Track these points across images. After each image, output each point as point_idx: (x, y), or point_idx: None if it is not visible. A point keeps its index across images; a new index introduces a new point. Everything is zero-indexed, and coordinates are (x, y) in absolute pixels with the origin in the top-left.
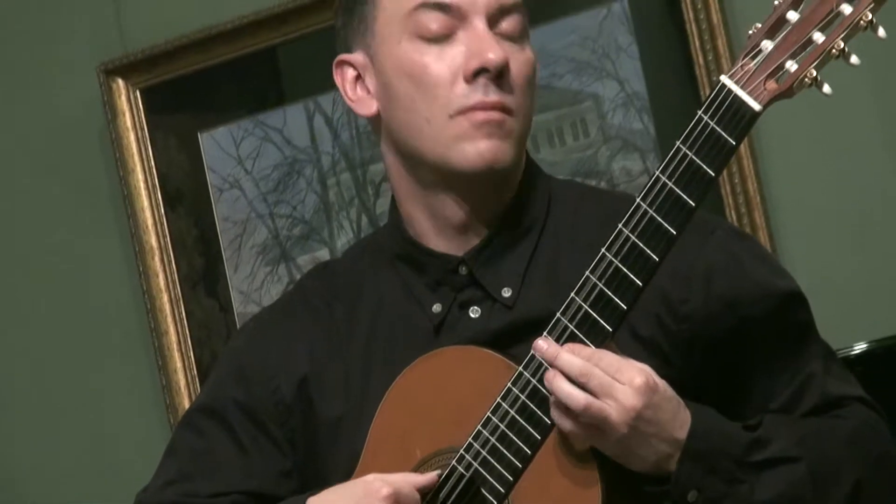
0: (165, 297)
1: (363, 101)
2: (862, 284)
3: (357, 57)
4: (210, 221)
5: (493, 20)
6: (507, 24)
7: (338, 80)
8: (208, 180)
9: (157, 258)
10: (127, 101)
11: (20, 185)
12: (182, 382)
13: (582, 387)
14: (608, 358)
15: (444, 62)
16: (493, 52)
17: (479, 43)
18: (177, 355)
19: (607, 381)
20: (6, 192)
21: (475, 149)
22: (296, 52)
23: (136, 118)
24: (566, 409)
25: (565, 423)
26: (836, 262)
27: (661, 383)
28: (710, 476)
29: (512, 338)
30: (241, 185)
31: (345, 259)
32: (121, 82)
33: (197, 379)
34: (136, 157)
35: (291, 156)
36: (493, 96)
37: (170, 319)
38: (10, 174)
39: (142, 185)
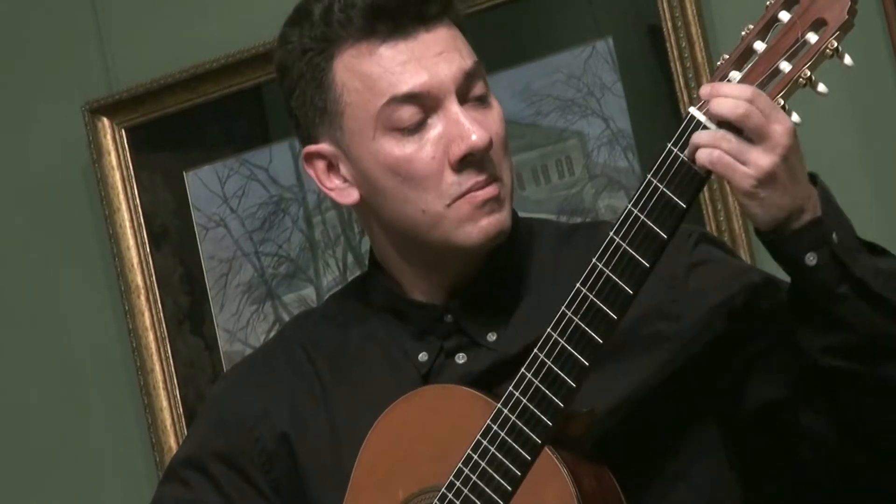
0: (151, 336)
1: (342, 191)
2: None
3: (325, 147)
4: (196, 260)
5: (462, 93)
6: (475, 90)
7: (310, 172)
8: (194, 219)
9: (142, 297)
10: (112, 140)
11: (4, 224)
12: (168, 420)
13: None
14: (762, 100)
15: (426, 151)
16: (476, 135)
17: (457, 127)
18: (163, 393)
19: (763, 119)
20: None
21: (478, 228)
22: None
23: (122, 157)
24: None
25: (713, 155)
26: None
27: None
28: (843, 229)
29: (495, 378)
30: (226, 223)
31: (326, 308)
32: (106, 121)
33: (183, 417)
34: (122, 196)
35: (277, 194)
36: (484, 174)
37: (155, 358)
38: None
39: (127, 223)
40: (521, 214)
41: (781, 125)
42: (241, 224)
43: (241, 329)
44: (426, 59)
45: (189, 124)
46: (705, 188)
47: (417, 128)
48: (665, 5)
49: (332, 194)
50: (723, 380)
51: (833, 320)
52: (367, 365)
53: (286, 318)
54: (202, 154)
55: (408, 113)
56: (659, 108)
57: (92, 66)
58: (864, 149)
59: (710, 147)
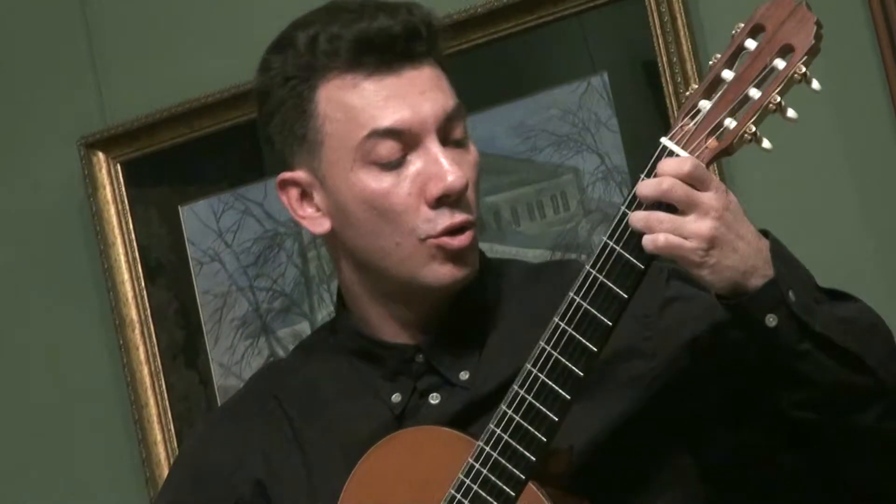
0: (145, 370)
1: (314, 220)
2: None
3: (300, 175)
4: (190, 294)
5: (442, 133)
6: (455, 132)
7: (283, 198)
8: (189, 253)
9: (137, 331)
10: (107, 175)
11: None
12: (162, 455)
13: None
14: (685, 167)
15: (403, 187)
16: (454, 176)
17: (436, 167)
18: (157, 428)
19: (686, 188)
20: None
21: (447, 270)
22: None
23: (117, 191)
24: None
25: (658, 240)
26: None
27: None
28: (800, 284)
29: (470, 417)
30: (221, 258)
31: (293, 358)
32: (101, 156)
33: (177, 452)
34: (117, 231)
35: (272, 229)
36: (459, 216)
37: (150, 392)
38: None
39: (122, 258)
40: (515, 251)
41: (709, 188)
42: (235, 259)
43: (235, 363)
44: (410, 96)
45: (184, 159)
46: None
47: (396, 164)
48: (660, 41)
49: (304, 222)
50: (698, 417)
51: (798, 376)
52: (340, 408)
53: (281, 352)
54: (197, 188)
55: (387, 148)
56: (654, 144)
57: (87, 101)
58: (854, 162)
59: (650, 232)
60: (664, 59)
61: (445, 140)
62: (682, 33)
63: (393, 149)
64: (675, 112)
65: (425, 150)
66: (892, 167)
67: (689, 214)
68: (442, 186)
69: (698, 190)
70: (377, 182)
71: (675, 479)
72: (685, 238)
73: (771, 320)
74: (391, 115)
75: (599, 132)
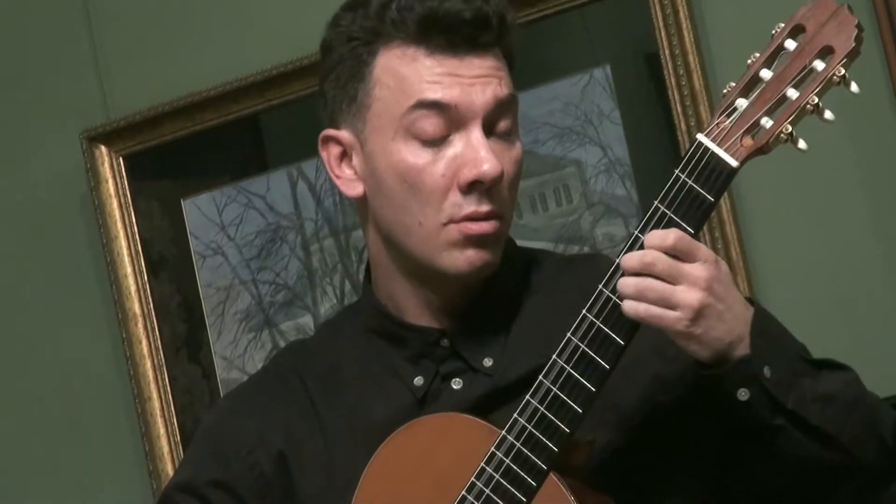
0: (149, 364)
1: (349, 182)
2: (847, 347)
3: (344, 135)
4: (193, 288)
5: (489, 122)
6: (503, 123)
7: (323, 154)
8: (191, 247)
9: (139, 325)
10: (110, 168)
11: (1, 252)
12: (165, 448)
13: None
14: (669, 240)
15: (438, 167)
16: (489, 164)
17: (473, 152)
18: (160, 421)
19: (671, 261)
20: None
21: (465, 257)
22: (278, 119)
23: (119, 185)
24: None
25: (639, 309)
26: (821, 326)
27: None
28: (778, 359)
29: (493, 404)
30: (224, 251)
31: (318, 337)
32: (104, 149)
33: (180, 445)
34: (119, 224)
35: (275, 222)
36: (486, 206)
37: (153, 386)
38: None
39: (125, 251)
40: (519, 243)
41: (696, 259)
42: (238, 252)
43: (238, 357)
44: (464, 77)
45: (186, 152)
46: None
47: (437, 142)
48: (663, 33)
49: (339, 182)
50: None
51: (772, 450)
52: (362, 389)
53: (283, 345)
54: (200, 182)
55: (430, 124)
56: (657, 136)
57: (89, 94)
58: (863, 174)
59: (635, 300)
60: (666, 51)
61: (491, 130)
62: (684, 26)
63: (436, 125)
64: (677, 104)
65: (467, 134)
66: None
67: (680, 285)
68: (476, 172)
69: (684, 261)
70: (414, 156)
71: (694, 476)
72: (673, 308)
73: (743, 394)
74: (440, 91)
75: (602, 125)
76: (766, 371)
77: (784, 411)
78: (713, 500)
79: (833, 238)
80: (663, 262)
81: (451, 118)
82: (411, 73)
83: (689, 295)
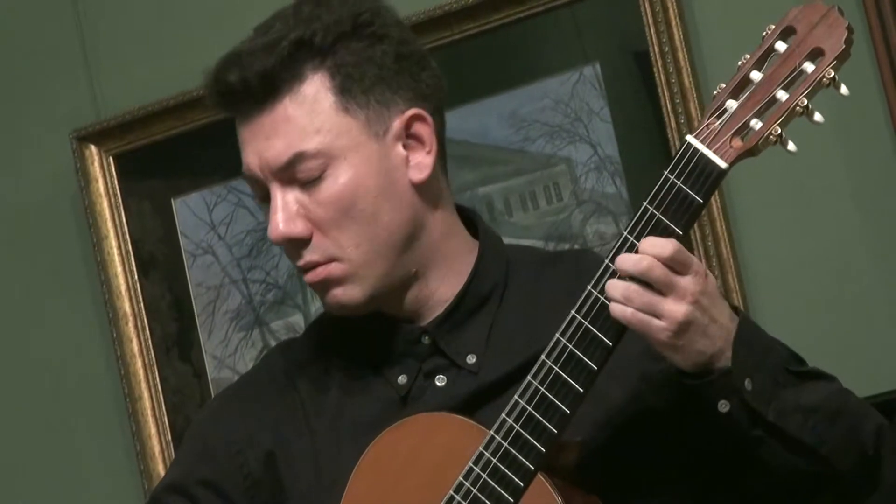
0: (139, 363)
1: None
2: (835, 345)
3: None
4: (184, 287)
5: (288, 176)
6: (301, 173)
7: None
8: (182, 246)
9: (130, 324)
10: (100, 168)
11: None
12: (156, 448)
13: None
14: (666, 249)
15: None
16: (273, 232)
17: (271, 216)
18: (151, 421)
19: (665, 270)
20: None
21: (325, 300)
22: None
23: (109, 184)
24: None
25: (626, 313)
26: (810, 324)
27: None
28: (760, 371)
29: (478, 402)
30: (214, 250)
31: (306, 337)
32: (93, 148)
33: (171, 445)
34: (109, 224)
35: (265, 221)
36: (308, 256)
37: (144, 385)
38: None
39: (115, 251)
40: (508, 240)
41: (688, 272)
42: (228, 251)
43: (229, 356)
44: (258, 141)
45: (177, 151)
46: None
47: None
48: (652, 31)
49: None
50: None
51: (753, 459)
52: (347, 388)
53: (274, 344)
54: (190, 181)
55: (254, 188)
56: (646, 134)
57: (79, 94)
58: (853, 175)
59: (622, 304)
60: (656, 49)
61: (292, 181)
62: (673, 24)
63: (256, 189)
64: (667, 102)
65: (272, 194)
66: (889, 170)
67: (669, 295)
68: (270, 238)
69: (678, 273)
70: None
71: (682, 475)
72: (658, 317)
73: (723, 406)
74: (246, 160)
75: (592, 122)
76: (748, 384)
77: (764, 423)
78: (699, 501)
79: (822, 237)
80: (658, 270)
81: (261, 183)
82: (239, 142)
83: (675, 307)
